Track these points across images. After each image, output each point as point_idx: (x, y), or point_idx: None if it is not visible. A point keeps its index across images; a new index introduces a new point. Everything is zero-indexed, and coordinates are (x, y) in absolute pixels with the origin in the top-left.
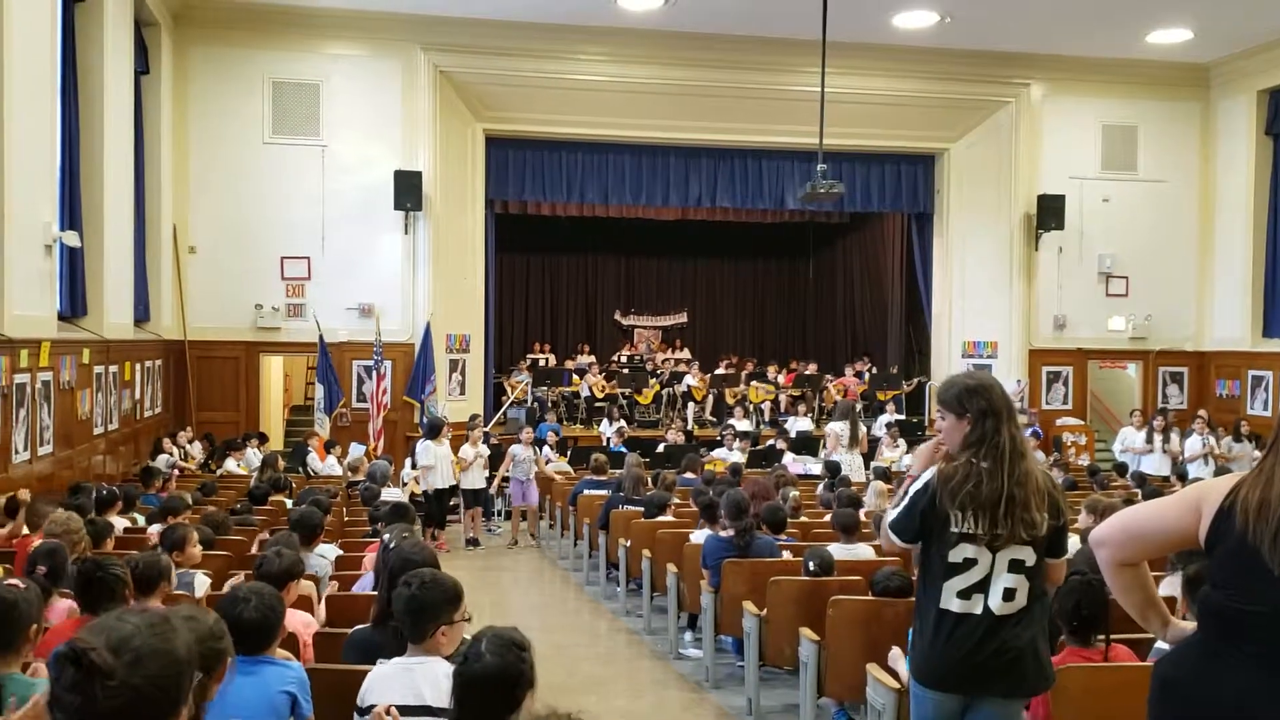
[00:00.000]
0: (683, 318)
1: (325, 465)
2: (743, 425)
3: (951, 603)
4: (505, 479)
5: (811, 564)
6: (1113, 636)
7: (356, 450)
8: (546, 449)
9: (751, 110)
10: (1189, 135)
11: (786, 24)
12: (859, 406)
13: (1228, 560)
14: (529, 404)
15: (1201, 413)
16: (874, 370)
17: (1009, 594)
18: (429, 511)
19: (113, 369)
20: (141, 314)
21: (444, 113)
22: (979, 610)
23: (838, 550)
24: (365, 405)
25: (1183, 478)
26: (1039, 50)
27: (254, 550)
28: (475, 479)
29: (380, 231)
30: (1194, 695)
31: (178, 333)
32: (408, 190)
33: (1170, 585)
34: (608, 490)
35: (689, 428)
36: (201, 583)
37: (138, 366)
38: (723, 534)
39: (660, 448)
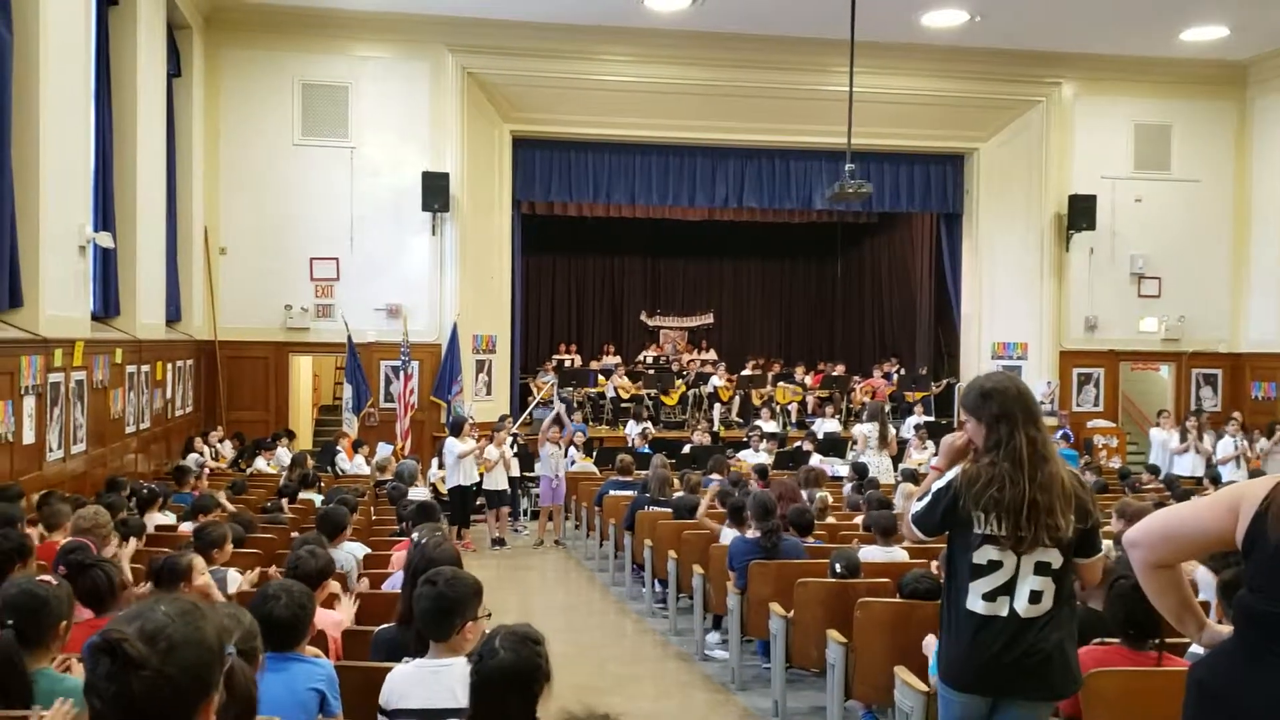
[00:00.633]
0: (709, 318)
1: (353, 465)
2: (769, 426)
3: (977, 604)
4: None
5: (838, 566)
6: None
7: (384, 450)
8: (572, 449)
9: (779, 110)
10: (1224, 134)
11: (814, 23)
12: (887, 408)
13: (1264, 563)
14: (555, 405)
15: (1236, 415)
16: (902, 371)
17: (1035, 596)
18: (454, 511)
19: (145, 369)
20: (173, 314)
21: (471, 114)
22: (1005, 613)
23: (876, 552)
24: (393, 405)
25: (1215, 480)
26: (1070, 49)
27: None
28: (500, 479)
29: (408, 233)
30: (1230, 700)
31: (209, 333)
32: (435, 191)
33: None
34: (633, 491)
35: (715, 429)
36: (234, 580)
37: (169, 366)
38: (749, 535)
39: (686, 449)
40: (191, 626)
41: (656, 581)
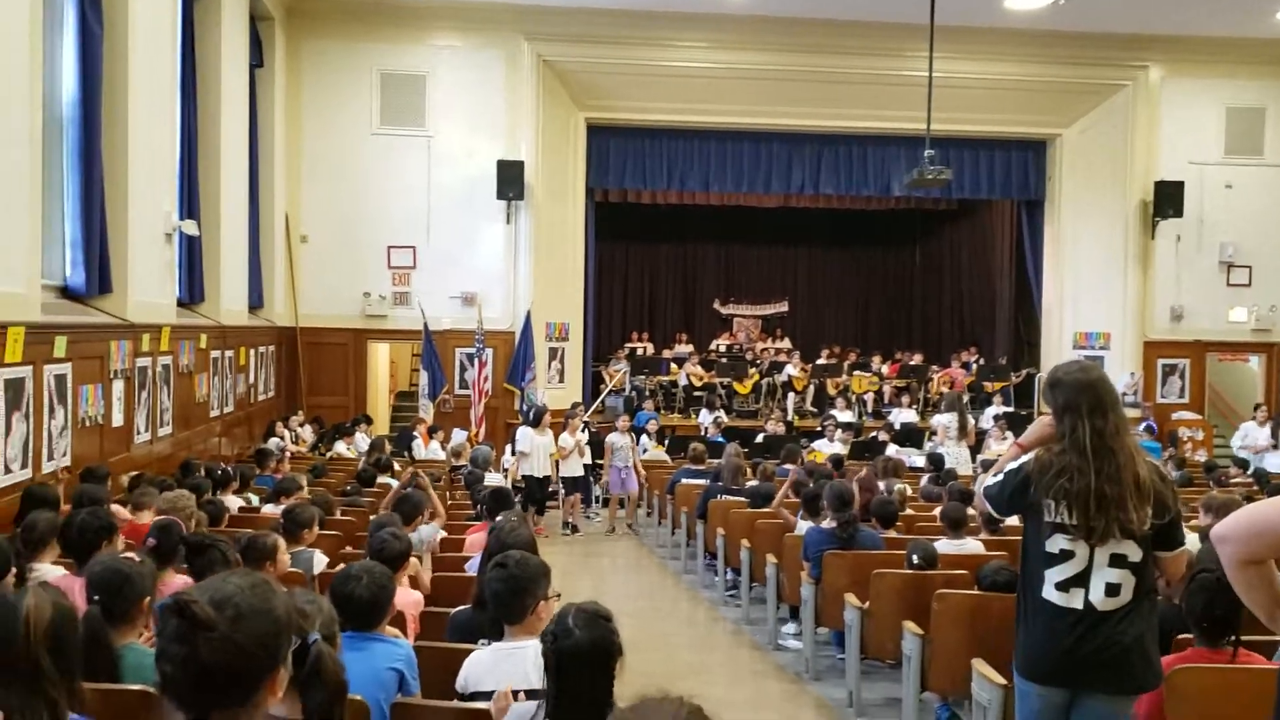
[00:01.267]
0: (783, 306)
1: (429, 450)
2: (845, 416)
3: (1051, 593)
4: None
5: (915, 557)
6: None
7: (459, 436)
8: (644, 437)
9: (856, 95)
10: None
11: (892, 7)
12: (966, 398)
13: None
14: (627, 393)
15: None
16: (981, 361)
17: (1112, 589)
18: (528, 496)
19: (228, 354)
20: (255, 301)
21: (546, 102)
22: (1079, 605)
23: (944, 546)
24: (467, 392)
25: None
26: (1158, 31)
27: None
28: (574, 467)
29: (483, 221)
30: None
31: (290, 319)
32: (510, 180)
33: None
34: (706, 480)
35: (789, 418)
36: (319, 561)
37: (252, 352)
38: (825, 525)
39: (759, 438)
40: (260, 598)
41: (729, 570)
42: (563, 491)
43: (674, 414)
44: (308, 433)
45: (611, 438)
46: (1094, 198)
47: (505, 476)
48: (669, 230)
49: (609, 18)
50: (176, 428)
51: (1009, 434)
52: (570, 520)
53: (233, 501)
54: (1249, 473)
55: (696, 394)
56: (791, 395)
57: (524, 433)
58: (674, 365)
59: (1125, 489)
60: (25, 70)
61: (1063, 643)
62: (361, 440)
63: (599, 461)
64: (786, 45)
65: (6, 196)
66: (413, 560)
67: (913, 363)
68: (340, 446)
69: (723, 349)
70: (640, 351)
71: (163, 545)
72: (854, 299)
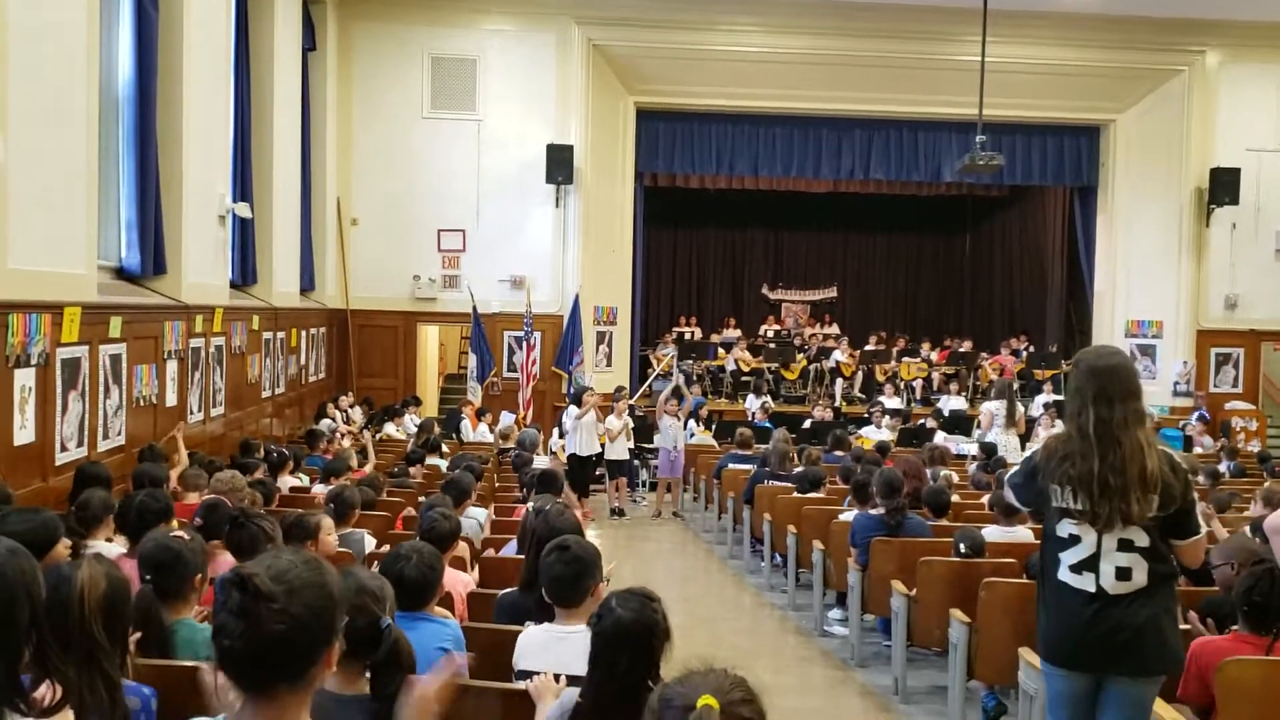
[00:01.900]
0: (832, 292)
1: (476, 433)
2: (893, 403)
3: (1067, 575)
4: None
5: (962, 545)
6: None
7: (507, 419)
8: (691, 422)
9: (907, 80)
10: None
11: None
12: (1015, 385)
13: None
14: (673, 377)
15: None
16: (1031, 349)
17: (1123, 573)
18: (573, 480)
19: (280, 335)
20: (307, 283)
21: (596, 86)
22: (1091, 588)
23: (995, 533)
24: (515, 375)
25: None
26: (1215, 15)
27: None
28: (621, 450)
29: (532, 204)
30: None
31: (340, 302)
32: (559, 164)
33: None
34: (752, 465)
35: (836, 404)
36: (369, 542)
37: (303, 333)
38: (873, 512)
39: (806, 424)
40: (314, 571)
41: (775, 555)
42: (608, 475)
43: (721, 399)
44: (357, 414)
45: (664, 420)
46: (1148, 184)
47: (552, 459)
48: (717, 215)
49: (659, 2)
50: (229, 408)
51: (1059, 422)
52: (617, 505)
53: (286, 482)
54: None
55: (744, 379)
56: (839, 381)
57: (571, 412)
58: (722, 350)
59: (1129, 481)
60: (82, 53)
61: (1077, 624)
62: (410, 422)
63: (644, 445)
64: (837, 29)
65: (64, 178)
66: (462, 544)
67: (962, 350)
68: (390, 428)
69: (771, 334)
70: (688, 336)
71: (209, 524)
72: (903, 285)
